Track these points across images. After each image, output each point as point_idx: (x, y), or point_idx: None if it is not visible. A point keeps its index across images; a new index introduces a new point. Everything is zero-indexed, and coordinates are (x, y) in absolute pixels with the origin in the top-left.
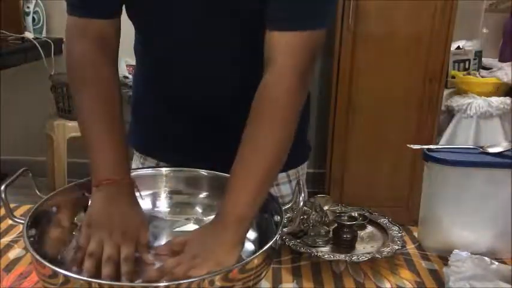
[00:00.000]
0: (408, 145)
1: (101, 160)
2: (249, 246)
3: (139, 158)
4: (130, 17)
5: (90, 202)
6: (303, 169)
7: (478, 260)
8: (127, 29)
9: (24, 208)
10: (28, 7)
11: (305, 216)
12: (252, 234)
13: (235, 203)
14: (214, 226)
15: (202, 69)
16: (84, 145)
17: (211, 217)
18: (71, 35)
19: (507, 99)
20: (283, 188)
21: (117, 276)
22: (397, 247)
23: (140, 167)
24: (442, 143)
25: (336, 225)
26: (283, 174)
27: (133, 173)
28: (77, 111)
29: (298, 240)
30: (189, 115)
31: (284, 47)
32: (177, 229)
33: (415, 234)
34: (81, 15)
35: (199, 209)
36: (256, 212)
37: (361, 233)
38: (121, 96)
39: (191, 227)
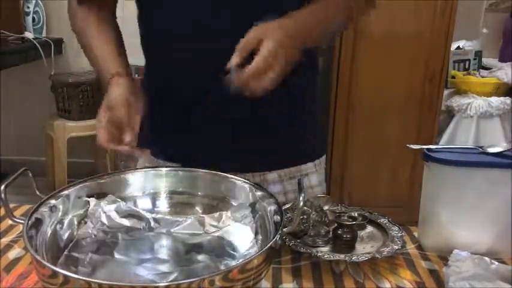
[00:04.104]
0: (408, 145)
1: (105, 64)
2: (249, 246)
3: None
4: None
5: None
6: (323, 160)
7: (478, 260)
8: (128, 31)
9: (24, 208)
10: (28, 7)
11: (305, 216)
12: (251, 235)
13: (303, 19)
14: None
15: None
16: (90, 62)
17: (211, 217)
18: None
19: (507, 99)
20: (312, 178)
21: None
22: (397, 247)
23: (141, 167)
24: (442, 143)
25: (336, 225)
26: (311, 164)
27: (134, 173)
28: (78, 39)
29: (298, 240)
30: (207, 117)
31: None
32: (177, 228)
33: (415, 234)
34: None
35: (199, 209)
36: (314, 40)
37: (361, 233)
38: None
39: (192, 225)
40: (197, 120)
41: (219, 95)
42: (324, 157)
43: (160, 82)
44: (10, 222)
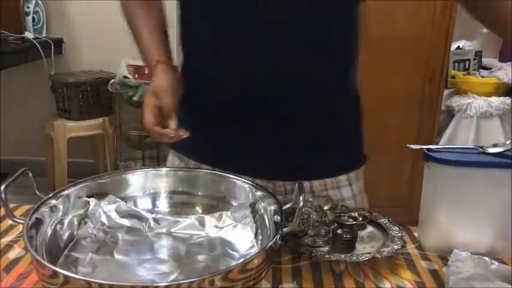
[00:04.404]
0: (408, 145)
1: (150, 51)
2: (249, 246)
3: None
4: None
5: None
6: (361, 172)
7: (478, 260)
8: (127, 28)
9: (24, 208)
10: (28, 7)
11: (305, 216)
12: (251, 235)
13: None
14: None
15: (264, 64)
16: (137, 46)
17: (211, 217)
18: None
19: (507, 99)
20: (344, 190)
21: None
22: (397, 247)
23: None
24: (442, 143)
25: (336, 225)
26: (344, 177)
27: (134, 173)
28: (127, 23)
29: (298, 240)
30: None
31: None
32: (177, 228)
33: (415, 234)
34: None
35: (199, 209)
36: None
37: (361, 233)
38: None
39: (192, 225)
40: (229, 124)
41: (250, 102)
42: (361, 168)
43: (197, 84)
44: (10, 222)
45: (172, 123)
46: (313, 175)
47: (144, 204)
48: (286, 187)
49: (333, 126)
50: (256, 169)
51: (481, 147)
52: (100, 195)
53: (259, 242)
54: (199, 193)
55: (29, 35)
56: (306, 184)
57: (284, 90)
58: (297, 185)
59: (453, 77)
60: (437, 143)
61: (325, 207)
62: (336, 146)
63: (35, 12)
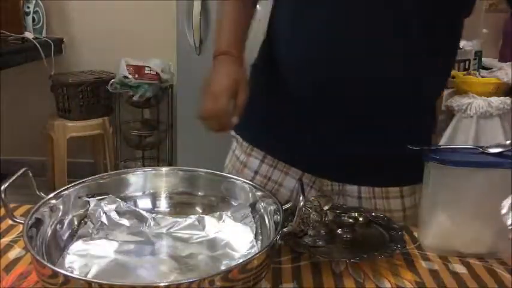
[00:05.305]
0: (408, 145)
1: (223, 38)
2: (249, 246)
3: (247, 148)
4: None
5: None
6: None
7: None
8: (127, 28)
9: (24, 208)
10: (28, 7)
11: (305, 216)
12: (251, 235)
13: None
14: None
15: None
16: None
17: (211, 217)
18: None
19: (507, 99)
20: (393, 202)
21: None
22: (397, 247)
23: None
24: (442, 143)
25: (336, 225)
26: (396, 188)
27: (134, 173)
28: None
29: (298, 240)
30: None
31: None
32: (177, 228)
33: (415, 234)
34: None
35: (199, 209)
36: None
37: (361, 233)
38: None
39: (192, 225)
40: (293, 114)
41: (323, 98)
42: (418, 185)
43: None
44: (10, 222)
45: (235, 119)
46: (361, 181)
47: (144, 204)
48: (334, 187)
49: (401, 139)
50: (308, 163)
51: (481, 147)
52: (100, 195)
53: (259, 242)
54: (199, 193)
55: (29, 35)
56: (354, 188)
57: (362, 93)
58: (297, 184)
59: (453, 77)
60: (437, 143)
61: (325, 207)
62: (394, 159)
63: (35, 12)
